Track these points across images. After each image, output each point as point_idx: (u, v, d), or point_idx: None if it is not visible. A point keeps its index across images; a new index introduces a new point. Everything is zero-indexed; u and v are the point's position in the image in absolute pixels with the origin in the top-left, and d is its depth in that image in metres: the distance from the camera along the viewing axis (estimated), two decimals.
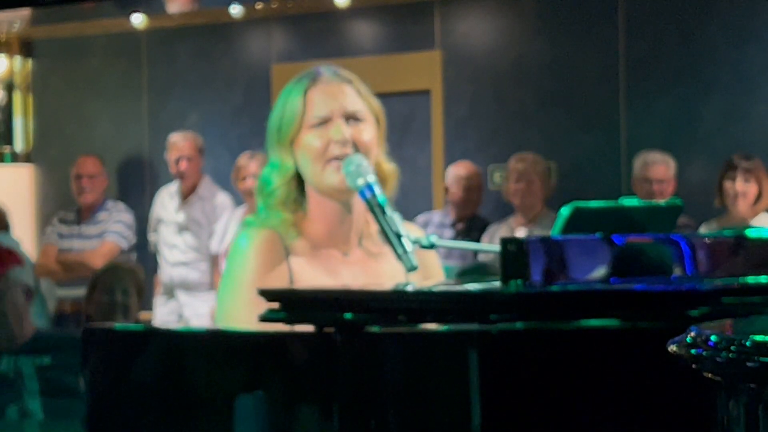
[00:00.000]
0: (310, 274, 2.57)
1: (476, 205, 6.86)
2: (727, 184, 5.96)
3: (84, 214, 7.43)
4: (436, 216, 6.89)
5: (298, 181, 2.64)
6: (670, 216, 2.53)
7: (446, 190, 6.90)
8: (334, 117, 2.59)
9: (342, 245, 2.63)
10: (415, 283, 2.47)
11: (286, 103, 2.62)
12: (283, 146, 2.61)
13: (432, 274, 2.72)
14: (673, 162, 6.35)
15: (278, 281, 2.54)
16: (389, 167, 2.68)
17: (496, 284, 2.02)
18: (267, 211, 2.62)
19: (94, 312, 4.72)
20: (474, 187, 6.81)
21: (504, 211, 6.76)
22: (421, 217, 6.84)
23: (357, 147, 2.57)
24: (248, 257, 2.57)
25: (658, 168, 6.31)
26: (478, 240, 6.53)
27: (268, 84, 7.91)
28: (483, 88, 7.43)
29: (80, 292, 6.13)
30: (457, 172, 6.84)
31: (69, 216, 7.48)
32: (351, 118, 2.60)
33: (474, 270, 4.95)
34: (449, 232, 6.72)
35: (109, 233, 7.29)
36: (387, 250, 2.55)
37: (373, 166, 2.60)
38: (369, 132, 2.61)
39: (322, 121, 2.59)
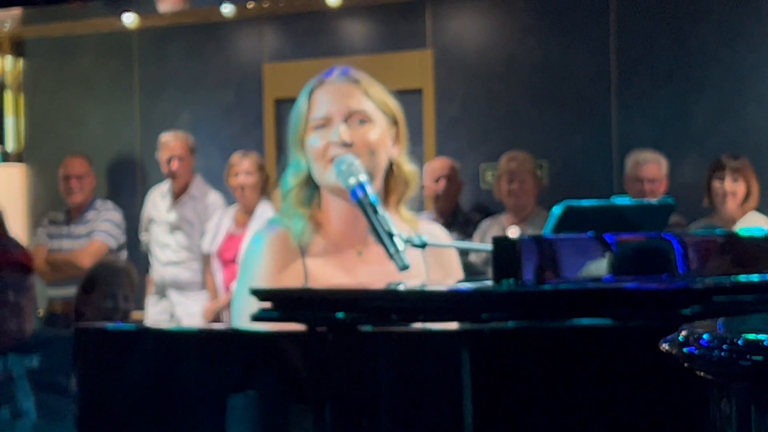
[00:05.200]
0: (327, 274, 2.58)
1: (454, 198, 6.83)
2: (716, 184, 5.96)
3: (73, 214, 7.41)
4: (423, 217, 6.87)
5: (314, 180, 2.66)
6: (661, 215, 2.53)
7: (422, 188, 6.88)
8: (335, 118, 2.59)
9: (358, 244, 2.63)
10: (408, 282, 2.47)
11: (296, 104, 2.66)
12: (296, 146, 2.64)
13: (451, 273, 2.72)
14: (665, 161, 6.35)
15: (292, 280, 2.55)
16: (410, 169, 2.69)
17: (488, 283, 2.02)
18: (285, 210, 2.64)
19: (92, 314, 4.69)
20: (448, 179, 6.77)
21: (495, 210, 6.76)
22: None
23: (361, 148, 2.57)
24: (261, 256, 2.60)
25: (650, 167, 6.31)
26: (460, 235, 6.53)
27: (259, 83, 7.91)
28: (474, 87, 7.43)
29: (70, 291, 6.11)
30: (431, 166, 6.84)
31: (58, 217, 7.47)
32: (355, 118, 2.60)
33: None
34: None
35: (98, 232, 7.27)
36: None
37: (383, 166, 2.60)
38: (376, 132, 2.60)
39: (323, 123, 2.60)
